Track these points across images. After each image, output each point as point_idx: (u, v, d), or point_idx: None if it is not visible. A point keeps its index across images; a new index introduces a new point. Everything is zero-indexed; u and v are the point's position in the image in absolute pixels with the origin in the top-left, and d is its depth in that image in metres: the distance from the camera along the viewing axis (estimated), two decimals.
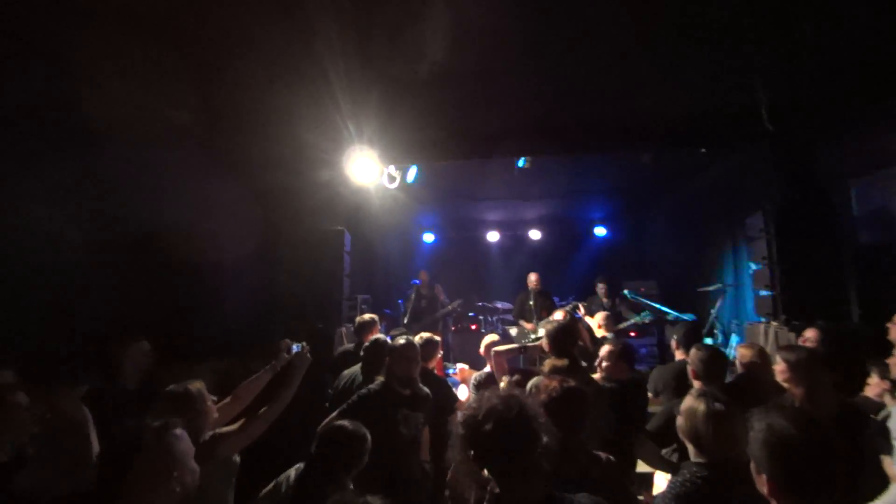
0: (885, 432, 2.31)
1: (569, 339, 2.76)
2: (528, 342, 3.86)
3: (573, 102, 3.85)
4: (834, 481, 1.31)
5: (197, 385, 1.82)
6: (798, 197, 3.96)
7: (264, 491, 1.59)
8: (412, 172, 5.17)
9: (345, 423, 1.80)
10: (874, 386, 2.67)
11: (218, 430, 1.83)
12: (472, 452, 1.25)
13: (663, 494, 1.68)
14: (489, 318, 8.24)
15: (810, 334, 3.20)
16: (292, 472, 1.60)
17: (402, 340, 2.60)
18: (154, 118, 3.38)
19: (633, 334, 6.40)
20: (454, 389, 3.33)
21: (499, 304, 8.23)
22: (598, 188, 7.43)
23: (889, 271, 3.90)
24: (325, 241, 4.41)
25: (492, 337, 3.74)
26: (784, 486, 1.32)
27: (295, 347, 2.34)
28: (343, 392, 2.94)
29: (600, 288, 6.49)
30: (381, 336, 3.23)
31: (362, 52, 3.09)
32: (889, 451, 2.25)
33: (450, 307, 7.01)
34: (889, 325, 3.01)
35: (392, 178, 5.07)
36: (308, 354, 2.28)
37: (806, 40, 2.89)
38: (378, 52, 3.12)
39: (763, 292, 4.12)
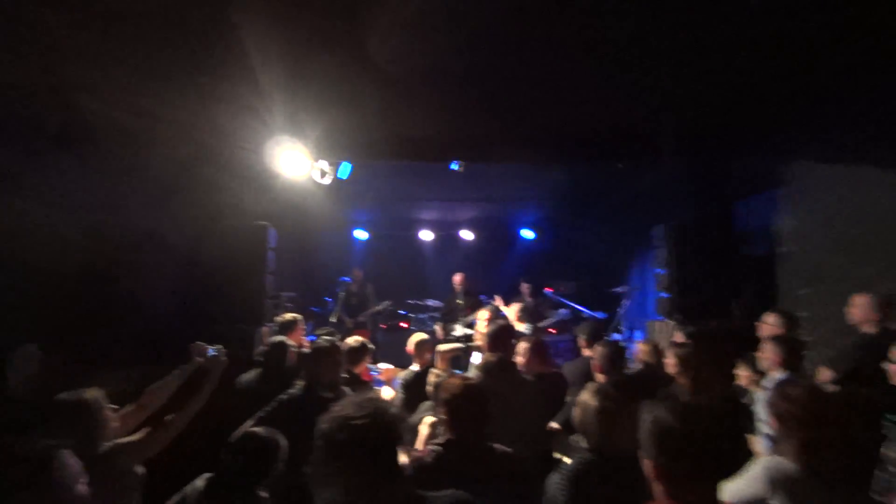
0: (750, 414, 2.74)
1: (505, 338, 2.91)
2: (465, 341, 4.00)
3: (499, 114, 4.02)
4: (706, 464, 1.53)
5: (93, 393, 1.69)
6: (693, 212, 4.51)
7: (172, 501, 1.50)
8: (344, 168, 5.08)
9: (257, 430, 1.74)
10: (745, 377, 3.13)
11: (118, 441, 1.71)
12: (326, 456, 1.25)
13: (555, 477, 1.86)
14: (420, 316, 8.32)
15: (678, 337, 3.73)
16: (200, 482, 1.52)
17: (326, 342, 2.56)
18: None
19: (552, 331, 6.81)
20: (378, 390, 3.35)
21: (430, 303, 8.33)
22: (528, 194, 7.79)
23: (765, 279, 4.57)
24: (248, 237, 4.21)
25: (420, 335, 3.81)
26: (665, 470, 1.53)
27: (210, 351, 2.21)
28: (245, 396, 2.82)
29: (524, 287, 6.87)
30: (281, 338, 3.12)
31: (291, 40, 3.00)
32: (753, 431, 2.67)
33: (379, 308, 7.00)
34: (758, 323, 3.53)
35: (323, 174, 4.95)
36: (224, 357, 2.17)
37: (699, 78, 3.31)
38: (309, 44, 3.05)
39: (663, 294, 4.63)
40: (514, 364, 2.95)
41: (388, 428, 1.25)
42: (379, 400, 1.32)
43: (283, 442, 1.71)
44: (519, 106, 3.92)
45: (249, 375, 2.95)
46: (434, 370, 3.28)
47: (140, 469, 1.74)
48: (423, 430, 2.82)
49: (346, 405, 1.28)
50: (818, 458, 1.72)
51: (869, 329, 3.02)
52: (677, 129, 4.13)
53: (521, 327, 4.41)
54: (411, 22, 2.79)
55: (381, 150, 4.72)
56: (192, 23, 2.62)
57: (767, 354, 2.69)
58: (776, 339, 2.78)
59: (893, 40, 2.86)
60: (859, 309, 3.04)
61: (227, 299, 3.99)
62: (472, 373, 2.90)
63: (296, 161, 4.43)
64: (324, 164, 4.87)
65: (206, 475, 1.54)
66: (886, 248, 3.45)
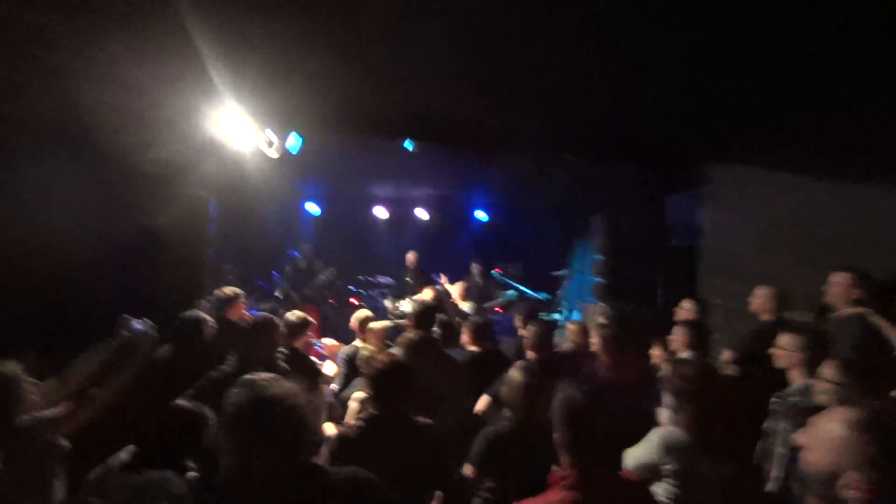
0: (659, 391, 3.04)
1: (430, 317, 3.03)
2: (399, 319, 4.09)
3: (456, 95, 4.03)
4: (607, 439, 1.73)
5: (10, 366, 1.65)
6: (628, 204, 4.81)
7: (91, 474, 1.51)
8: (293, 140, 4.93)
9: (183, 402, 1.76)
10: (657, 357, 3.45)
11: (37, 414, 1.69)
12: (229, 427, 1.32)
13: (479, 436, 2.03)
14: (370, 293, 8.35)
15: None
16: (124, 454, 1.54)
17: (262, 318, 2.55)
18: None
19: (498, 310, 7.08)
20: (321, 365, 3.40)
21: (381, 279, 8.37)
22: (480, 178, 7.91)
23: (688, 268, 4.99)
24: (187, 207, 4.04)
25: (364, 312, 3.87)
26: (569, 443, 1.71)
27: (137, 325, 2.16)
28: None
29: (475, 268, 7.04)
30: (195, 313, 3.00)
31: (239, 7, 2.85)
32: (660, 404, 2.97)
33: (323, 276, 6.94)
34: (676, 309, 3.89)
35: (270, 144, 4.80)
36: (153, 332, 2.12)
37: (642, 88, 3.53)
38: (258, 4, 2.90)
39: (596, 278, 4.95)
40: (436, 340, 3.08)
41: (291, 404, 1.30)
42: (273, 380, 1.36)
43: (209, 415, 1.74)
44: (475, 89, 3.94)
45: (163, 351, 2.85)
46: (366, 346, 3.37)
47: (64, 442, 1.72)
48: (353, 405, 2.93)
49: (257, 380, 1.33)
50: (705, 428, 1.97)
51: (767, 317, 3.41)
52: (622, 130, 4.36)
53: (465, 306, 4.57)
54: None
55: (332, 123, 4.62)
56: None
57: (677, 336, 2.99)
58: (685, 322, 3.09)
59: (812, 48, 3.15)
60: (760, 299, 3.41)
61: (164, 272, 3.84)
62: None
63: (242, 130, 4.26)
64: (271, 135, 4.72)
65: (131, 447, 1.56)
66: (794, 244, 3.87)
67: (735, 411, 2.33)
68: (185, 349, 2.74)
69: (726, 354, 3.42)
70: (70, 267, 3.44)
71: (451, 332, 3.44)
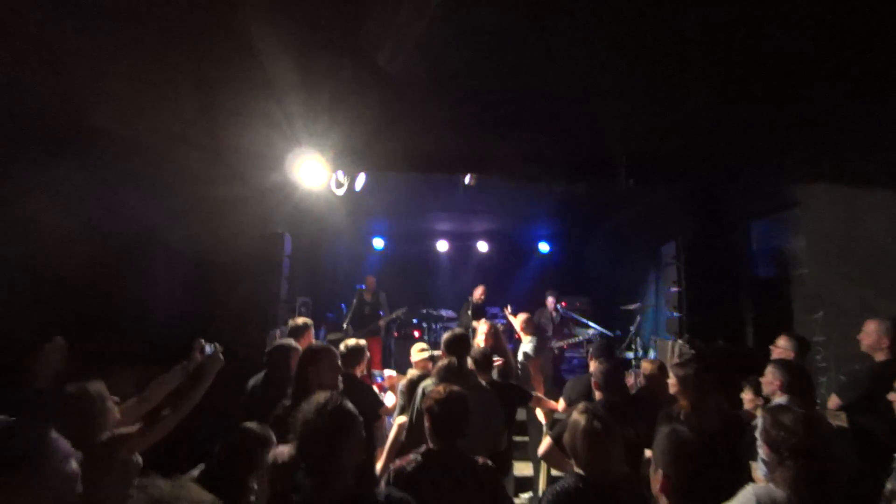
0: (755, 440, 2.68)
1: (461, 346, 2.99)
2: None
3: (509, 130, 4.09)
4: (714, 485, 1.54)
5: (96, 385, 1.82)
6: (706, 231, 4.45)
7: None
8: (360, 180, 5.24)
9: (251, 425, 1.85)
10: (748, 401, 3.06)
11: (117, 431, 1.83)
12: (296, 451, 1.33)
13: (544, 495, 1.89)
14: (434, 326, 8.37)
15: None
16: (194, 472, 1.63)
17: (319, 344, 2.62)
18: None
19: (564, 346, 6.76)
20: (380, 396, 3.41)
21: (444, 312, 8.39)
22: (542, 210, 7.82)
23: (778, 303, 4.46)
24: (265, 245, 4.37)
25: (420, 345, 3.89)
26: (677, 487, 1.54)
27: (208, 349, 2.29)
28: (251, 397, 2.92)
29: (550, 301, 6.72)
30: (287, 341, 3.18)
31: (310, 52, 3.12)
32: (755, 457, 2.61)
33: (394, 315, 7.08)
34: (771, 347, 3.45)
35: (340, 184, 5.12)
36: (221, 356, 2.26)
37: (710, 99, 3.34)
38: (329, 54, 3.16)
39: (672, 313, 4.56)
40: (470, 370, 2.98)
41: (338, 427, 1.32)
42: (339, 400, 1.38)
43: (272, 438, 1.81)
44: (529, 123, 3.98)
45: (258, 377, 3.04)
46: (413, 375, 3.34)
47: (138, 459, 1.86)
48: (392, 430, 2.88)
49: (310, 403, 1.36)
50: (809, 489, 1.69)
51: (882, 357, 2.93)
52: (687, 148, 4.12)
53: (527, 340, 4.39)
54: (424, 36, 2.90)
55: (392, 161, 4.85)
56: (202, 30, 2.69)
57: (768, 378, 2.65)
58: (776, 362, 2.73)
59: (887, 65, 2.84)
60: (870, 335, 2.95)
61: (241, 303, 4.15)
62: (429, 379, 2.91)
63: (314, 172, 4.60)
64: (340, 175, 5.05)
65: (201, 465, 1.65)
66: None
67: (845, 469, 1.98)
68: (274, 374, 2.92)
69: (834, 400, 2.96)
70: (154, 299, 3.84)
71: (487, 363, 3.30)
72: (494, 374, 3.50)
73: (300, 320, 3.81)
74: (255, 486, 1.66)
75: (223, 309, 4.01)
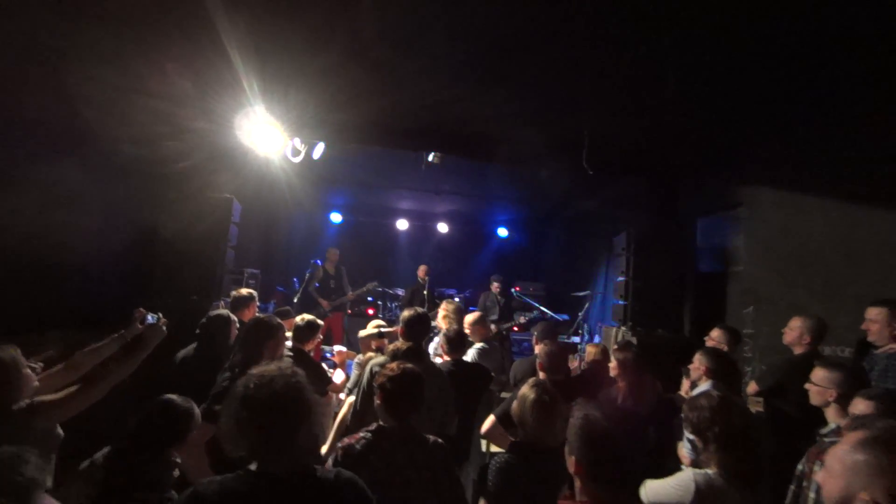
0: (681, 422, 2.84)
1: (422, 327, 2.89)
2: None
3: (481, 111, 4.03)
4: (624, 466, 1.60)
5: (8, 351, 1.67)
6: (657, 225, 4.62)
7: (81, 466, 1.49)
8: (319, 149, 5.02)
9: (171, 396, 1.75)
10: (684, 386, 3.25)
11: (36, 399, 1.68)
12: (236, 413, 1.29)
13: (490, 467, 1.92)
14: (388, 304, 8.33)
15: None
16: (107, 449, 1.52)
17: (265, 318, 2.50)
18: None
19: (516, 329, 6.90)
20: (329, 373, 3.35)
21: (399, 291, 8.33)
22: (505, 195, 7.86)
23: (716, 296, 4.74)
24: (210, 207, 4.09)
25: (377, 322, 3.82)
26: (586, 467, 1.58)
27: (150, 318, 2.17)
28: (181, 368, 2.78)
29: (495, 286, 6.85)
30: (223, 311, 3.04)
31: (270, 9, 2.92)
32: (681, 438, 2.77)
33: (364, 289, 6.94)
34: (706, 338, 3.66)
35: (297, 152, 4.89)
36: (163, 327, 2.12)
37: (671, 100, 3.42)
38: (287, 17, 2.97)
39: (618, 301, 4.75)
40: (425, 351, 2.97)
41: (294, 404, 1.27)
42: (293, 374, 1.33)
43: (196, 411, 1.72)
44: (500, 106, 3.94)
45: (188, 349, 2.88)
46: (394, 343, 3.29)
47: (59, 430, 1.72)
48: (342, 408, 2.85)
49: (266, 370, 1.30)
50: (733, 468, 1.78)
51: (801, 350, 3.17)
52: (647, 143, 4.23)
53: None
54: (401, 6, 2.77)
55: (357, 134, 4.68)
56: None
57: (696, 364, 2.80)
58: (704, 349, 2.89)
59: (856, 63, 3.00)
60: (794, 331, 3.18)
61: (184, 270, 3.90)
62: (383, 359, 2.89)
63: (268, 136, 4.35)
64: (297, 143, 4.82)
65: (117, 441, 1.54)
66: (833, 273, 3.61)
67: (762, 451, 2.12)
68: (205, 346, 2.77)
69: (752, 387, 3.19)
70: (88, 259, 3.54)
71: (461, 341, 3.29)
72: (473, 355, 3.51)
73: (244, 291, 3.64)
74: (179, 460, 1.57)
75: (164, 273, 3.76)
